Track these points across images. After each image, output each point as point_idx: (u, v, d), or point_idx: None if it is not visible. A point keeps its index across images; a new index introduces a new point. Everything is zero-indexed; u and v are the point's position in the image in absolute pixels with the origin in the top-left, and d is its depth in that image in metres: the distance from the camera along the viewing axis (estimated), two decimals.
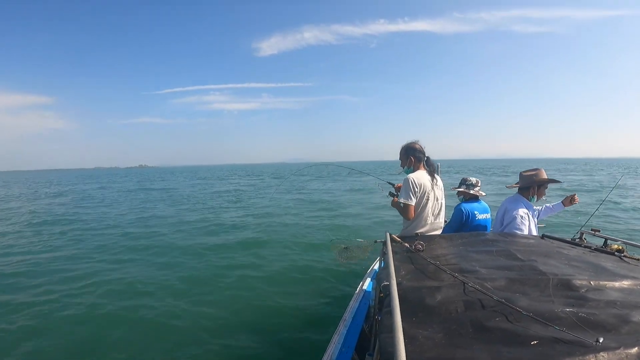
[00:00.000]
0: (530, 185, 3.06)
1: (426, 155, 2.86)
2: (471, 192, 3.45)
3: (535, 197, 3.09)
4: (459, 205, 3.46)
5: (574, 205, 3.36)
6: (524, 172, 3.17)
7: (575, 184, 23.60)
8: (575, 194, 3.33)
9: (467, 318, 1.30)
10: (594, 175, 33.13)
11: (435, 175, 2.84)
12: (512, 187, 3.26)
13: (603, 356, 0.99)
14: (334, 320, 3.08)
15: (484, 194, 3.52)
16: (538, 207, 3.42)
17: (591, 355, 0.99)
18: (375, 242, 3.45)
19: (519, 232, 2.88)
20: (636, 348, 1.01)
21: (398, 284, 1.59)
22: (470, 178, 3.57)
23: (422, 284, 1.65)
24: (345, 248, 3.18)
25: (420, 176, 2.74)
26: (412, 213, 2.73)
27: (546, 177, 3.09)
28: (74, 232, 11.09)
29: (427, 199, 2.74)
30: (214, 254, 7.99)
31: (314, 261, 7.42)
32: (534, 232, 3.02)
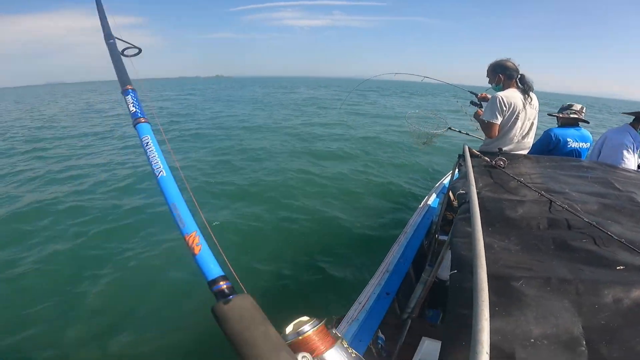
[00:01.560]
0: None
1: (520, 72, 2.57)
2: (568, 114, 3.03)
3: None
4: (548, 130, 3.11)
5: None
6: None
7: None
8: None
9: (549, 235, 1.28)
10: None
11: (531, 93, 2.57)
12: (630, 114, 2.85)
13: None
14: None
15: (586, 120, 3.07)
16: None
17: None
18: (449, 128, 3.44)
19: (618, 163, 2.62)
20: None
21: (476, 193, 1.56)
22: (575, 104, 3.10)
23: (502, 197, 1.62)
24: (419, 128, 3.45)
25: (510, 95, 2.51)
26: (495, 132, 2.58)
27: None
28: None
29: (517, 118, 2.55)
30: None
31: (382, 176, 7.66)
32: (634, 167, 2.74)
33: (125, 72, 0.54)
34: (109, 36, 0.57)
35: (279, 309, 3.22)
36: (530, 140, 2.72)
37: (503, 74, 2.58)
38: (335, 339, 0.46)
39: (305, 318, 0.46)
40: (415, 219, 3.32)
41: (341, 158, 9.20)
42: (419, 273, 2.86)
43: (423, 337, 1.98)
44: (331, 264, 4.09)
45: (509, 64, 2.57)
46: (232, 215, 5.45)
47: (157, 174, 0.39)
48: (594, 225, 1.26)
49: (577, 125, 3.06)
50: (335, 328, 2.09)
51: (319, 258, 4.21)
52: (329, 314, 2.43)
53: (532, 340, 0.82)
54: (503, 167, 2.10)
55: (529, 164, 2.30)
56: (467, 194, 1.47)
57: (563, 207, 1.41)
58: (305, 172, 7.72)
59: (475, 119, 2.87)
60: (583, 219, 1.31)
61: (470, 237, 1.11)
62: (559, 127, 3.11)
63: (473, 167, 2.17)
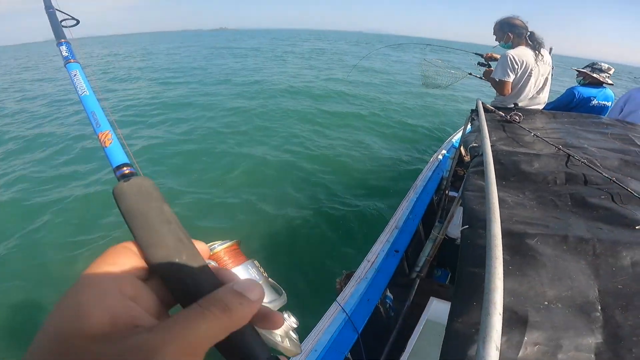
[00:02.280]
0: None
1: (529, 30, 2.46)
2: (594, 75, 2.89)
3: None
4: (572, 87, 2.99)
5: None
6: None
7: None
8: None
9: (567, 190, 1.21)
10: None
11: (542, 50, 2.47)
12: None
13: None
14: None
15: (611, 82, 2.92)
16: None
17: None
18: (470, 74, 3.32)
19: None
20: None
21: (490, 147, 1.48)
22: (602, 63, 2.96)
23: (517, 150, 1.53)
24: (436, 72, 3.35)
25: (521, 52, 2.43)
26: (508, 89, 2.52)
27: None
28: None
29: (530, 75, 2.47)
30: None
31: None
32: None
33: (64, 35, 0.57)
34: (48, 6, 0.63)
35: (288, 264, 3.35)
36: (545, 95, 2.65)
37: (512, 32, 2.49)
38: (246, 258, 0.47)
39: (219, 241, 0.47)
40: (425, 174, 3.23)
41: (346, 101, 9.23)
42: (428, 230, 2.84)
43: (431, 297, 1.98)
44: (341, 215, 4.14)
45: (517, 21, 2.48)
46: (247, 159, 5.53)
47: (80, 93, 0.44)
48: (613, 181, 1.18)
49: (602, 86, 2.92)
50: (345, 284, 2.11)
51: (329, 208, 4.26)
52: (340, 268, 2.45)
53: (546, 302, 0.79)
54: (518, 122, 1.99)
55: (546, 119, 2.18)
56: (481, 146, 1.39)
57: (582, 162, 1.33)
58: (313, 122, 7.72)
59: (485, 78, 2.79)
60: (602, 174, 1.23)
61: (483, 191, 1.05)
62: (582, 85, 2.96)
63: (487, 121, 2.07)
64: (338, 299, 1.92)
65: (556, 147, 1.49)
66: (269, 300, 0.44)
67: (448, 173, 3.10)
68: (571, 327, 0.74)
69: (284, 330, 0.41)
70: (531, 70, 2.45)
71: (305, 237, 3.80)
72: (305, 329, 1.83)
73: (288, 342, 0.41)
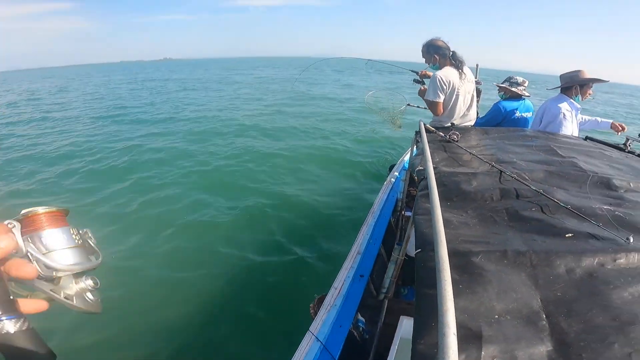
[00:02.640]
0: (572, 84, 2.82)
1: (451, 50, 2.70)
2: (513, 89, 3.24)
3: (580, 96, 2.86)
4: (497, 102, 3.32)
5: (619, 134, 3.10)
6: (564, 73, 2.94)
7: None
8: (625, 126, 3.05)
9: (502, 206, 1.33)
10: None
11: (464, 68, 2.72)
12: (554, 88, 3.03)
13: (633, 256, 1.00)
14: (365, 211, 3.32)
15: (528, 94, 3.31)
16: (586, 117, 3.23)
17: (622, 254, 1.00)
18: (408, 105, 3.56)
19: (559, 130, 2.79)
20: None
21: (433, 169, 1.60)
22: (517, 77, 3.35)
23: (457, 170, 1.67)
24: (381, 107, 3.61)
25: (447, 73, 2.64)
26: (440, 109, 2.73)
27: (589, 76, 2.82)
28: None
29: (457, 94, 2.69)
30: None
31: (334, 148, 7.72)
32: (576, 133, 2.91)
33: None
34: None
35: (254, 299, 3.30)
36: (474, 112, 2.89)
37: (437, 53, 2.68)
38: (67, 224, 0.49)
39: None
40: (380, 198, 3.37)
41: (300, 135, 9.24)
42: (390, 252, 2.94)
43: (401, 317, 2.03)
44: (303, 248, 4.12)
45: (439, 42, 2.68)
46: (190, 206, 5.33)
47: None
48: (541, 193, 1.32)
49: (521, 98, 3.28)
50: (318, 308, 2.12)
51: (290, 244, 4.23)
52: (309, 296, 2.43)
53: (496, 316, 0.85)
54: (456, 141, 2.17)
55: (480, 136, 2.40)
56: (425, 170, 1.49)
57: (512, 177, 1.48)
58: (263, 153, 7.69)
59: (420, 96, 2.97)
60: (530, 187, 1.37)
61: (428, 213, 1.12)
62: (505, 99, 3.30)
63: (429, 142, 2.23)
64: (311, 328, 1.92)
65: (490, 164, 1.66)
66: (75, 262, 0.47)
67: (402, 194, 3.26)
68: (522, 338, 0.80)
69: (77, 291, 0.47)
70: (458, 89, 2.65)
71: (272, 270, 3.75)
72: None
73: (79, 301, 0.47)
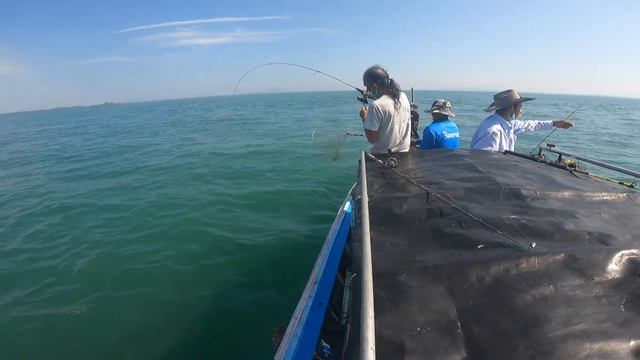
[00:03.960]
0: (507, 105, 3.19)
1: (389, 78, 2.85)
2: (435, 111, 3.64)
3: (514, 115, 3.24)
4: (427, 128, 3.67)
5: (568, 129, 3.52)
6: (498, 94, 3.30)
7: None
8: (570, 121, 3.45)
9: (428, 225, 1.45)
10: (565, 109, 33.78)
11: (401, 96, 2.87)
12: (490, 109, 3.37)
13: (534, 260, 1.10)
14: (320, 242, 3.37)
15: (453, 114, 3.68)
16: (533, 123, 3.57)
17: (524, 259, 1.10)
18: (347, 134, 3.74)
19: (489, 147, 3.09)
20: (562, 254, 1.11)
21: (370, 197, 1.73)
22: (439, 100, 3.77)
23: (391, 196, 1.79)
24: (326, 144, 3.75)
25: (384, 103, 2.76)
26: (375, 137, 2.87)
27: (519, 97, 3.22)
28: None
29: (393, 123, 2.82)
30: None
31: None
32: (505, 148, 3.22)
33: None
34: None
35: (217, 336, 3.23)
36: (408, 140, 3.07)
37: (375, 82, 2.85)
38: None
39: None
40: (334, 228, 3.45)
41: (250, 175, 9.17)
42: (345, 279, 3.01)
43: None
44: (258, 285, 4.08)
45: (379, 71, 2.84)
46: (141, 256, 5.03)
47: None
48: (458, 210, 1.48)
49: (447, 119, 3.62)
50: (278, 338, 2.11)
51: (244, 281, 4.18)
52: (269, 328, 2.43)
53: (419, 329, 0.92)
54: (394, 167, 2.35)
55: (415, 160, 2.60)
56: (361, 199, 1.60)
57: (437, 197, 1.64)
58: (212, 195, 7.51)
59: (361, 117, 3.08)
60: (451, 205, 1.53)
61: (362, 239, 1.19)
62: (433, 123, 3.62)
63: (370, 170, 2.39)
64: (275, 357, 1.92)
65: (418, 186, 1.82)
66: None
67: (354, 222, 3.38)
68: (440, 347, 0.86)
69: None
70: (393, 117, 2.79)
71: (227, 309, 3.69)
72: None
73: None
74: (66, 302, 3.92)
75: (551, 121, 3.53)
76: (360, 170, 2.47)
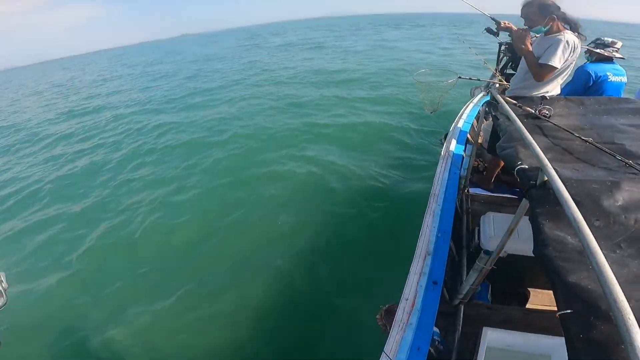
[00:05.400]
0: None
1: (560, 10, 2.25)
2: (597, 50, 2.82)
3: None
4: (582, 66, 2.83)
5: None
6: None
7: None
8: None
9: None
10: None
11: (580, 34, 2.30)
12: None
13: None
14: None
15: (620, 56, 2.79)
16: None
17: None
18: (460, 77, 3.12)
19: None
20: None
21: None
22: (605, 38, 2.88)
23: (587, 178, 1.16)
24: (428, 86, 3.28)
25: (574, 39, 2.24)
26: (549, 77, 2.31)
27: None
28: None
29: (570, 64, 2.33)
30: None
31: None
32: None
33: None
34: None
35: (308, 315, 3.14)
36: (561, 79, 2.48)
37: (557, 15, 2.22)
38: None
39: None
40: (440, 177, 2.84)
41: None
42: (456, 243, 2.59)
43: (484, 328, 1.78)
44: (346, 247, 3.86)
45: (551, 1, 2.22)
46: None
47: None
48: None
49: (612, 61, 2.83)
50: (386, 320, 1.90)
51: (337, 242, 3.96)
52: (375, 303, 2.21)
53: None
54: (549, 117, 1.75)
55: (575, 109, 1.94)
56: (548, 177, 1.09)
57: None
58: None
59: (518, 45, 2.30)
60: None
61: (569, 249, 0.88)
62: (592, 62, 2.87)
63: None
64: (385, 348, 1.69)
65: (623, 161, 1.25)
66: None
67: (466, 171, 2.86)
68: None
69: None
70: (574, 59, 2.29)
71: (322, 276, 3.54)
72: None
73: None
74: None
75: None
76: (500, 119, 1.88)
